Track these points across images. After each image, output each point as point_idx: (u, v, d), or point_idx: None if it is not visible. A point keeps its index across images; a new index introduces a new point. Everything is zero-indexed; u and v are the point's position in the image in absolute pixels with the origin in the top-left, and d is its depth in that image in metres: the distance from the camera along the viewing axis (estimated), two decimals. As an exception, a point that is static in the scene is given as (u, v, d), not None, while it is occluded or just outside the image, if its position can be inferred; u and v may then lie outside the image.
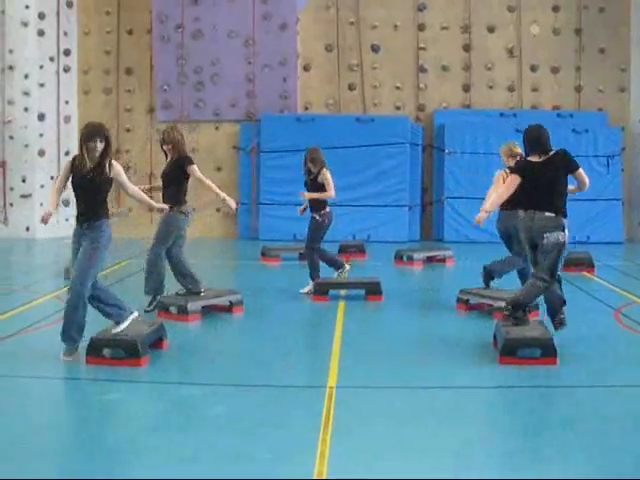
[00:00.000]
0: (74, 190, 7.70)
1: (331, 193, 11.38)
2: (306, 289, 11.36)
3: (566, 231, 8.01)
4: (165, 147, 10.18)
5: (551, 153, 8.12)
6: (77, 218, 7.70)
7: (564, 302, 8.23)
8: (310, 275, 11.48)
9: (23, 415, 6.13)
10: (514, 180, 8.19)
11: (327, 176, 11.41)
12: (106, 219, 7.67)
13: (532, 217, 8.05)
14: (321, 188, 11.41)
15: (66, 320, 7.57)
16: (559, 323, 8.20)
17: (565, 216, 8.03)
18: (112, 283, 12.35)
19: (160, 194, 10.13)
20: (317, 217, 11.54)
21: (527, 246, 8.27)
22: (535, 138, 8.18)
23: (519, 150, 10.02)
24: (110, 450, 5.35)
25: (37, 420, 6.00)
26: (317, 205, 11.56)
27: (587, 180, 8.28)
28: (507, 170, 9.88)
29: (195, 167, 9.98)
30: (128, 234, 19.92)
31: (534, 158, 8.15)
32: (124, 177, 7.80)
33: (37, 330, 8.95)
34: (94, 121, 7.86)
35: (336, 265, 11.81)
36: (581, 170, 8.19)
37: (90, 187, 7.56)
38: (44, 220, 7.68)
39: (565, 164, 8.09)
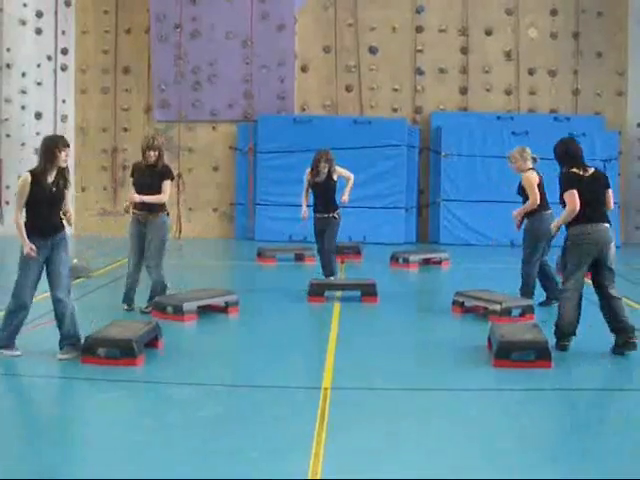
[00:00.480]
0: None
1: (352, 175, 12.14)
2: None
3: None
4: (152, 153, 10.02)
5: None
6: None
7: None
8: (332, 273, 11.91)
9: (18, 414, 6.13)
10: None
11: (341, 169, 11.99)
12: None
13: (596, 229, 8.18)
14: (335, 186, 11.91)
15: None
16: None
17: None
18: (108, 282, 12.35)
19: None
20: (336, 216, 11.94)
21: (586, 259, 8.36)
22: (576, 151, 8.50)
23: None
24: (105, 449, 5.35)
25: (32, 419, 6.00)
26: (334, 205, 11.97)
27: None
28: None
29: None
30: (125, 233, 19.91)
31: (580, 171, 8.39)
32: None
33: (32, 329, 8.93)
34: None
35: (332, 271, 11.94)
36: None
37: None
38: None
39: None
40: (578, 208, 8.22)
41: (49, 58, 19.76)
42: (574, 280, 8.30)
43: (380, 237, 18.74)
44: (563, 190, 8.33)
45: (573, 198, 8.25)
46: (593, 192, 8.20)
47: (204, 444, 5.45)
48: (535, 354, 7.54)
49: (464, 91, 20.41)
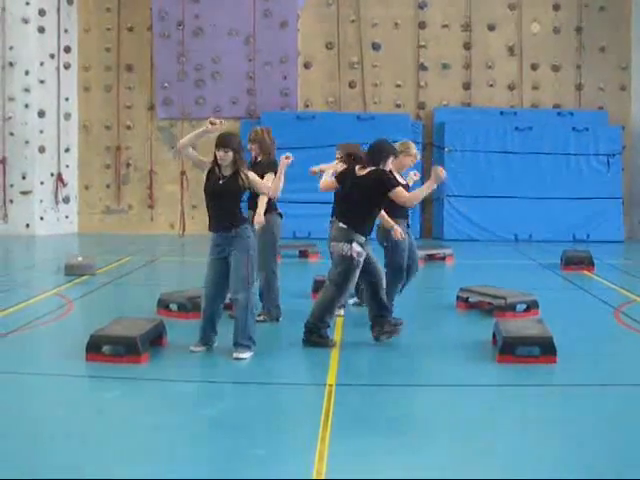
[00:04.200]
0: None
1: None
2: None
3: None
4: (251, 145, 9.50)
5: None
6: None
7: None
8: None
9: (22, 412, 6.13)
10: None
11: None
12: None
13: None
14: None
15: None
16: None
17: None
18: (112, 280, 12.36)
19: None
20: None
21: None
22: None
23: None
24: (109, 448, 5.35)
25: (36, 417, 6.00)
26: None
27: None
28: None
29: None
30: (128, 231, 19.95)
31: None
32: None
33: (37, 327, 8.94)
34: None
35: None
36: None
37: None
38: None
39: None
40: None
41: (52, 56, 19.77)
42: None
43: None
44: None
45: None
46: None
47: (208, 442, 5.45)
48: (540, 349, 7.53)
49: (467, 86, 20.40)
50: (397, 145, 9.19)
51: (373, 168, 8.09)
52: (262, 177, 8.83)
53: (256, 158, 9.56)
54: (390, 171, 8.42)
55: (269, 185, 8.19)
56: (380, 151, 8.17)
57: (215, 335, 7.95)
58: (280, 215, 9.74)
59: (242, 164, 7.81)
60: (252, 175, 7.88)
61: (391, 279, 9.14)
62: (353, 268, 8.07)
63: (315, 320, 8.13)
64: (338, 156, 10.23)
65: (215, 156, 7.75)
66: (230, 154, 7.69)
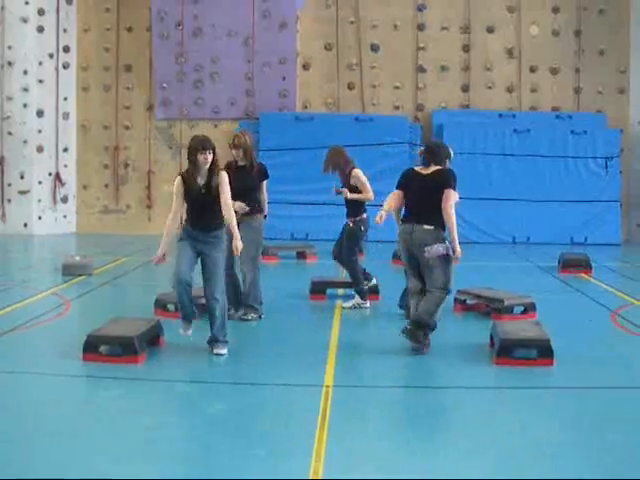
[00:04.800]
0: None
1: (370, 194, 10.49)
2: (349, 303, 10.49)
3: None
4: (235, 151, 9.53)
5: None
6: None
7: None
8: (355, 290, 10.57)
9: (18, 411, 6.12)
10: None
11: (362, 179, 10.48)
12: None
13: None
14: (354, 190, 10.45)
15: None
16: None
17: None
18: (110, 280, 12.36)
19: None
20: (351, 224, 10.50)
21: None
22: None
23: None
24: (106, 448, 5.35)
25: (33, 416, 6.00)
26: (352, 211, 10.50)
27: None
28: None
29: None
30: (126, 231, 19.95)
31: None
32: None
33: (34, 326, 8.94)
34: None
35: (358, 289, 10.58)
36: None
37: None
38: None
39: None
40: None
41: (51, 56, 19.77)
42: None
43: (382, 235, 18.68)
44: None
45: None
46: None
47: (205, 442, 5.44)
48: (537, 352, 7.53)
49: (466, 89, 20.41)
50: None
51: (439, 167, 8.13)
52: (256, 185, 9.49)
53: (236, 162, 9.61)
54: None
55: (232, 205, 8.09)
56: (441, 152, 8.22)
57: (195, 308, 8.02)
58: (265, 217, 9.86)
59: (218, 166, 7.87)
60: (224, 178, 7.84)
61: None
62: (451, 264, 8.02)
63: (429, 320, 8.00)
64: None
65: (194, 161, 7.72)
66: (211, 156, 7.72)
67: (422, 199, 8.06)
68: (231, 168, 9.38)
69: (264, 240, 9.90)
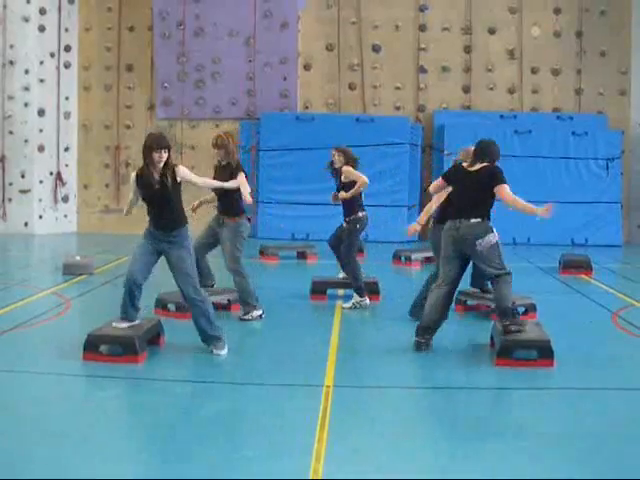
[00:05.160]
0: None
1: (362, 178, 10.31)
2: (349, 304, 10.50)
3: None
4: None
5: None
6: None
7: None
8: (354, 288, 10.53)
9: (19, 410, 6.12)
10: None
11: (351, 171, 10.40)
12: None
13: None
14: (347, 187, 10.43)
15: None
16: None
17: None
18: (110, 279, 12.36)
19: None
20: (349, 223, 10.50)
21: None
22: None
23: None
24: (105, 447, 5.35)
25: (33, 416, 6.00)
26: (349, 210, 10.51)
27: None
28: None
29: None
30: (127, 230, 19.91)
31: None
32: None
33: (34, 325, 8.94)
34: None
35: (356, 287, 10.57)
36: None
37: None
38: None
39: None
40: None
41: (52, 55, 19.77)
42: None
43: (382, 235, 18.74)
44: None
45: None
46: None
47: (205, 442, 5.44)
48: (537, 353, 7.53)
49: (467, 90, 20.41)
50: (459, 150, 9.72)
51: (485, 164, 8.19)
52: (232, 178, 9.27)
53: (220, 162, 9.74)
54: None
55: (231, 184, 8.51)
56: (492, 150, 8.27)
57: (138, 311, 7.94)
58: (249, 220, 9.88)
59: (173, 164, 7.86)
60: (183, 169, 7.88)
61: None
62: (500, 247, 8.08)
63: (508, 304, 8.01)
64: (337, 158, 10.39)
65: (148, 159, 7.69)
66: (166, 155, 7.71)
67: (469, 195, 8.12)
68: (216, 169, 9.73)
69: (244, 241, 9.79)
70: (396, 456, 5.24)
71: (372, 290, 10.90)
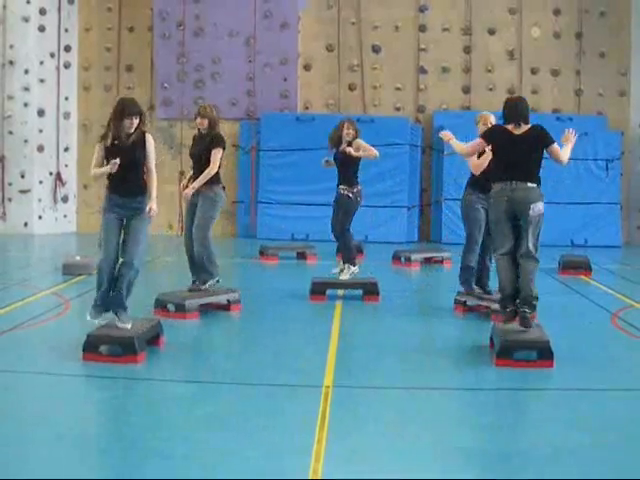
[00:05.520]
0: None
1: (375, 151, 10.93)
2: (346, 274, 11.08)
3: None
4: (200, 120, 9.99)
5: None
6: None
7: None
8: (347, 259, 11.08)
9: (18, 411, 6.13)
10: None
11: (364, 144, 10.97)
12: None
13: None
14: (355, 161, 10.96)
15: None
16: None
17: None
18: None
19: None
20: (349, 195, 10.92)
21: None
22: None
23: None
24: (104, 448, 5.35)
25: (32, 416, 6.00)
26: (349, 180, 10.93)
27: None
28: None
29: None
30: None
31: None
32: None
33: (34, 325, 8.94)
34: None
35: (349, 258, 11.18)
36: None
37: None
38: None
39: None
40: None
41: (52, 55, 19.77)
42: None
43: (382, 236, 18.75)
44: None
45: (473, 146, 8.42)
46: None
47: (204, 442, 5.44)
48: (537, 354, 7.54)
49: (467, 90, 20.41)
50: (476, 117, 10.31)
51: (532, 125, 8.14)
52: (210, 151, 9.67)
53: (200, 132, 10.05)
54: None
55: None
56: (526, 108, 8.19)
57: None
58: (224, 188, 10.03)
59: (144, 130, 7.89)
60: (151, 140, 7.96)
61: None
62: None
63: (534, 291, 7.99)
64: (347, 130, 10.97)
65: (118, 125, 7.69)
66: (137, 121, 7.71)
67: (521, 158, 8.03)
68: (194, 139, 10.11)
69: (218, 212, 9.98)
70: (395, 456, 5.24)
71: (372, 291, 10.91)
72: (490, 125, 9.75)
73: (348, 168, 10.99)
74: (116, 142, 7.76)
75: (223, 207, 10.15)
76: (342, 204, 11.00)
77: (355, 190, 10.94)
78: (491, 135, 8.37)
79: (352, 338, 8.83)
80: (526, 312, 7.88)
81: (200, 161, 9.85)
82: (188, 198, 9.85)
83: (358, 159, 10.92)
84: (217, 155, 9.76)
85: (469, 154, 8.83)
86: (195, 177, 9.91)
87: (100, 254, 7.85)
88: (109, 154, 7.80)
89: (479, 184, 9.70)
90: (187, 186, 9.96)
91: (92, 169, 8.09)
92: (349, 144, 10.97)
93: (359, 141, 10.98)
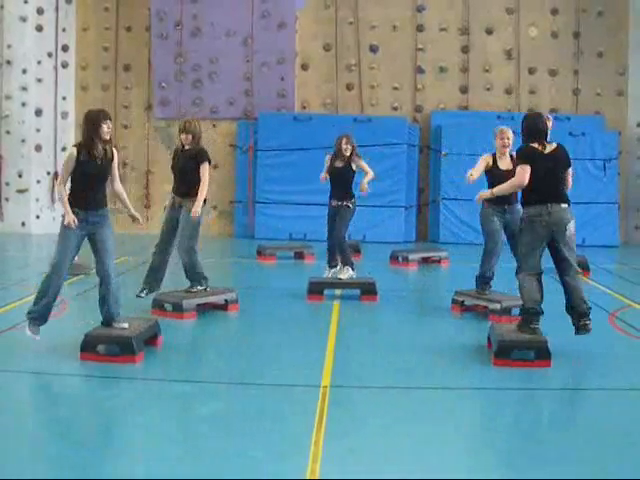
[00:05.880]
0: None
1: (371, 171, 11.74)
2: (345, 274, 11.34)
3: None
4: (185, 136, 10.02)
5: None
6: None
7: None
8: (347, 262, 11.42)
9: (15, 410, 6.12)
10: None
11: (362, 162, 11.65)
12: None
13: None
14: (353, 176, 11.61)
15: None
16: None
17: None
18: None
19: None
20: (350, 205, 11.57)
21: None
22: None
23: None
24: (102, 447, 5.35)
25: (29, 416, 6.00)
26: (350, 194, 11.59)
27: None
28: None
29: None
30: (124, 231, 19.90)
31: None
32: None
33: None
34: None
35: (348, 261, 11.48)
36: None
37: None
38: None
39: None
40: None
41: (49, 55, 19.75)
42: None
43: (380, 236, 18.75)
44: (519, 163, 8.09)
45: (523, 173, 8.00)
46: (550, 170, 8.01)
47: (201, 442, 5.44)
48: (535, 353, 7.54)
49: (464, 90, 20.41)
50: (495, 130, 10.49)
51: (557, 144, 8.08)
52: (196, 165, 9.76)
53: (183, 147, 10.05)
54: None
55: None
56: (545, 127, 8.10)
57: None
58: (205, 201, 10.05)
59: (112, 141, 7.89)
60: (117, 154, 7.95)
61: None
62: None
63: (589, 304, 8.02)
64: (345, 146, 11.33)
65: (95, 133, 7.64)
66: (111, 125, 7.78)
67: (553, 178, 7.98)
68: (177, 153, 10.09)
69: (201, 224, 10.10)
70: (393, 456, 5.24)
71: (369, 290, 10.92)
72: (507, 141, 10.17)
73: (347, 182, 11.52)
74: (91, 154, 7.67)
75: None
76: (343, 215, 11.47)
77: (353, 200, 11.54)
78: (532, 157, 8.04)
79: (350, 338, 8.83)
80: (588, 323, 7.90)
81: (186, 176, 9.91)
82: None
83: (354, 173, 11.54)
84: (206, 171, 9.86)
85: (524, 183, 8.11)
86: (180, 192, 9.98)
87: (53, 268, 7.75)
88: (82, 167, 7.71)
89: (494, 197, 9.78)
90: (176, 204, 9.98)
91: (60, 184, 7.84)
92: (349, 158, 11.49)
93: (359, 160, 11.57)
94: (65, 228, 7.76)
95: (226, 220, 20.19)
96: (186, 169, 9.92)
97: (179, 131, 10.12)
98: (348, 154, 11.47)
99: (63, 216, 7.78)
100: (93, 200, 7.78)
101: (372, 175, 11.68)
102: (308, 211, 18.67)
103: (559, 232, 7.99)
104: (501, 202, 9.91)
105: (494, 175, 10.24)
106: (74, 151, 7.71)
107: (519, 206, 9.21)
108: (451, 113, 20.26)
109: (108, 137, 7.69)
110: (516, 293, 10.43)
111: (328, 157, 11.72)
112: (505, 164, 10.20)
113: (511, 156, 10.17)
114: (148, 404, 6.42)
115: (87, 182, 7.72)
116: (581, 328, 7.88)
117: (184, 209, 9.86)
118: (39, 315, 7.81)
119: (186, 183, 9.88)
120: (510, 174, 9.62)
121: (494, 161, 10.30)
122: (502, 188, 8.73)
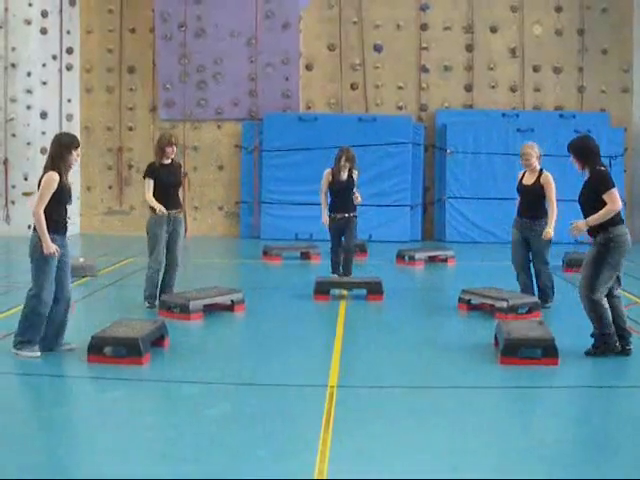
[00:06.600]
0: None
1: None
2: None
3: None
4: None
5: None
6: None
7: None
8: (350, 273, 11.98)
9: (23, 412, 6.13)
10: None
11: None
12: None
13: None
14: (353, 185, 12.00)
15: None
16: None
17: None
18: (114, 281, 12.37)
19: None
20: (356, 215, 12.08)
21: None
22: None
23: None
24: (110, 448, 5.36)
25: (37, 418, 6.01)
26: (353, 204, 11.96)
27: None
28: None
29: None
30: (130, 232, 19.95)
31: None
32: None
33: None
34: None
35: (350, 271, 12.04)
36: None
37: None
38: None
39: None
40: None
41: (54, 57, 19.77)
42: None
43: (386, 235, 18.73)
44: (604, 188, 7.92)
45: (616, 197, 7.95)
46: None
47: (209, 443, 5.45)
48: (542, 351, 7.53)
49: (469, 88, 20.38)
50: (532, 149, 10.59)
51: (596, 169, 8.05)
52: (182, 176, 10.55)
53: (160, 161, 10.23)
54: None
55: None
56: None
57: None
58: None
59: None
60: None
61: None
62: None
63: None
64: (344, 163, 11.79)
65: (68, 158, 7.64)
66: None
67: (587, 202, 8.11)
68: (156, 167, 10.15)
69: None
70: (401, 456, 5.24)
71: (376, 290, 10.92)
72: (525, 162, 10.56)
73: (350, 193, 11.84)
74: (65, 176, 7.68)
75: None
76: (352, 226, 11.97)
77: (356, 210, 12.04)
78: (612, 178, 8.17)
79: (356, 337, 8.83)
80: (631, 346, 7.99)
81: (177, 190, 10.33)
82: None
83: (353, 186, 11.92)
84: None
85: (618, 206, 8.10)
86: (175, 205, 10.21)
87: (47, 293, 7.77)
88: (64, 191, 7.70)
89: (519, 207, 10.28)
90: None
91: (42, 206, 7.60)
92: (350, 171, 12.03)
93: (355, 170, 12.09)
94: (50, 260, 7.67)
95: (232, 221, 20.20)
96: (178, 184, 10.35)
97: (168, 144, 10.13)
98: (347, 169, 11.96)
99: (40, 244, 7.62)
100: (64, 221, 7.81)
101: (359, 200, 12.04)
102: (314, 211, 18.58)
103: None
104: (522, 214, 10.43)
105: (518, 190, 10.53)
106: (57, 176, 7.60)
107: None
108: (456, 111, 20.23)
109: (74, 165, 7.75)
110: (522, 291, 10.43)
111: (327, 172, 12.04)
112: (529, 179, 10.29)
113: (540, 171, 10.41)
114: (156, 405, 6.43)
115: (61, 205, 7.72)
116: (626, 351, 7.97)
117: (177, 221, 10.29)
118: (33, 338, 7.74)
119: (177, 196, 10.37)
120: (529, 189, 9.89)
121: (523, 176, 10.40)
122: (597, 218, 7.99)
